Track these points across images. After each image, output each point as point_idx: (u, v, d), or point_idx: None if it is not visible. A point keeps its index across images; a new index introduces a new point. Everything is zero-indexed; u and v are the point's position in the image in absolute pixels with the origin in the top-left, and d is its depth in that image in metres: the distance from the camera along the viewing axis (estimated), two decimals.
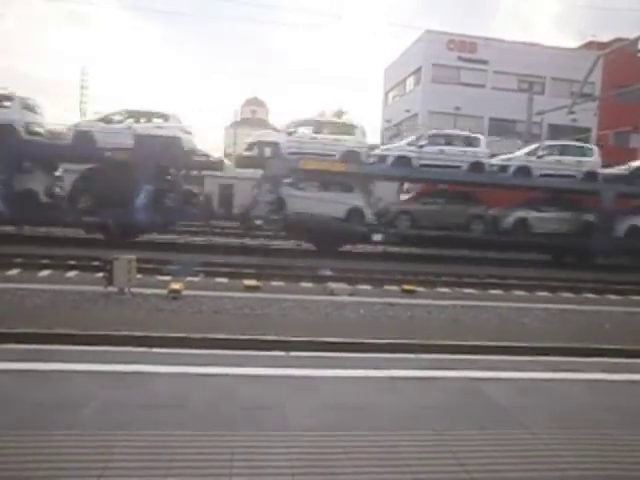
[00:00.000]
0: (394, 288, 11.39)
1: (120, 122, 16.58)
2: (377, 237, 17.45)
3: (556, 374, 4.80)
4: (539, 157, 18.31)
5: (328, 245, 17.25)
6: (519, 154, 19.16)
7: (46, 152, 16.87)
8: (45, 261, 11.81)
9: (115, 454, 2.88)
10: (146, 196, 15.70)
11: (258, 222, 17.34)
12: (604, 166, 19.20)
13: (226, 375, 4.27)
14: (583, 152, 19.17)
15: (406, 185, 22.47)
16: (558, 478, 2.93)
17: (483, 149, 18.46)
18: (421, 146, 17.63)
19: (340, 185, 17.54)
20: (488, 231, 18.18)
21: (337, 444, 3.16)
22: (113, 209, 15.58)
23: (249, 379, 4.22)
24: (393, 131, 37.99)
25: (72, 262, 11.92)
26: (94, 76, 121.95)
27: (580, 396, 4.27)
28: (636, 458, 3.21)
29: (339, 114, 53.59)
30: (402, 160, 17.47)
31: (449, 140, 18.56)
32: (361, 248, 18.84)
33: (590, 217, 18.51)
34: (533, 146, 19.72)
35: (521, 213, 18.47)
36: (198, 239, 18.49)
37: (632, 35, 23.90)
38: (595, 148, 19.58)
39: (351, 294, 10.21)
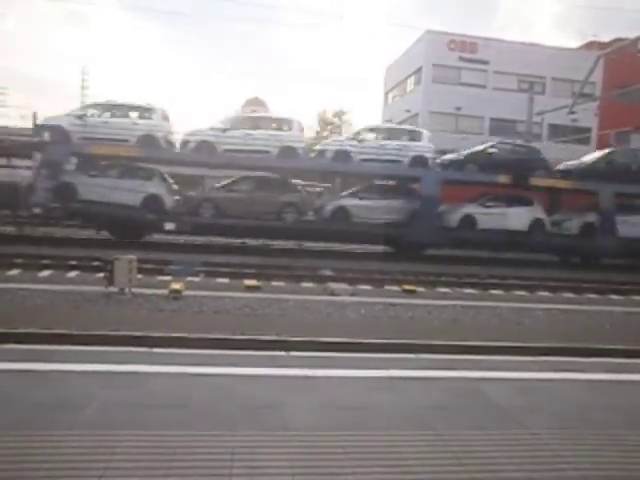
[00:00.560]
0: (395, 288, 11.40)
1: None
2: (169, 226, 16.36)
3: (556, 374, 4.80)
4: (360, 141, 17.51)
5: (127, 234, 16.46)
6: (341, 138, 18.41)
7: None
8: (46, 261, 11.82)
9: (116, 454, 2.89)
10: None
11: (36, 210, 16.53)
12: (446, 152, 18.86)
13: (226, 375, 4.27)
14: (413, 136, 18.53)
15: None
16: (558, 478, 2.93)
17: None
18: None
19: (140, 172, 16.66)
20: (302, 220, 17.16)
21: (337, 444, 3.16)
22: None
23: (250, 379, 4.23)
24: None
25: (73, 262, 11.93)
26: (94, 76, 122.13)
27: (581, 396, 4.27)
28: (637, 458, 3.21)
29: (339, 114, 53.67)
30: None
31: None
32: (361, 248, 18.86)
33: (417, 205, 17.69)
34: (356, 130, 18.79)
35: (341, 202, 17.59)
36: (198, 239, 18.49)
37: (632, 35, 23.89)
38: (425, 132, 18.86)
39: (352, 294, 10.21)
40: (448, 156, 19.21)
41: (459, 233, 17.92)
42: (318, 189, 28.01)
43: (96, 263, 11.01)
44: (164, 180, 17.09)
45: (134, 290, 8.70)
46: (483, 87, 34.15)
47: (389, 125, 20.14)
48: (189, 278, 10.59)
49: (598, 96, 28.69)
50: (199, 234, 17.51)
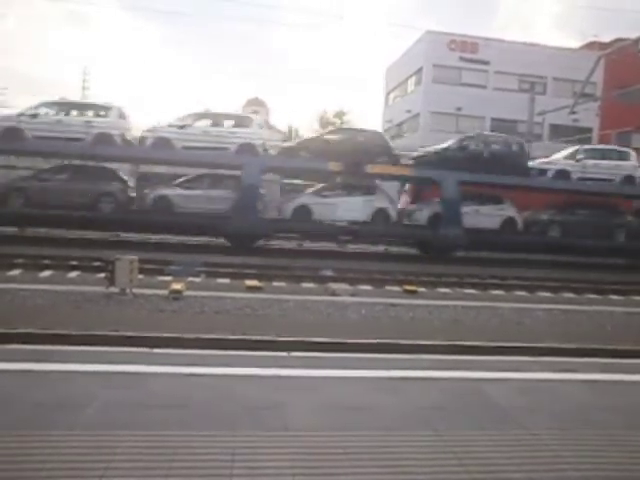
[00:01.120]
0: (396, 288, 11.40)
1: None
2: None
3: (557, 374, 4.80)
4: (181, 128, 16.68)
5: None
6: (163, 124, 17.09)
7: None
8: (46, 261, 11.83)
9: (116, 454, 2.89)
10: None
11: None
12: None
13: (227, 375, 4.27)
14: (241, 123, 17.53)
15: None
16: (558, 479, 2.93)
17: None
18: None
19: None
20: (121, 210, 16.45)
21: (338, 444, 3.16)
22: None
23: (250, 379, 4.23)
24: (394, 131, 38.01)
25: (73, 263, 11.94)
26: (95, 76, 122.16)
27: (581, 396, 4.27)
28: (637, 459, 3.21)
29: (340, 114, 53.66)
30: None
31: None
32: (362, 248, 18.87)
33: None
34: (190, 114, 17.50)
35: (163, 191, 16.87)
36: (199, 239, 18.50)
37: (633, 35, 23.86)
38: (255, 118, 17.97)
39: (352, 294, 10.21)
40: (286, 144, 18.53)
41: (285, 224, 17.26)
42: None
43: (97, 263, 11.02)
44: None
45: (135, 290, 8.71)
46: (484, 87, 34.17)
47: (217, 111, 18.63)
48: (190, 278, 10.60)
49: (599, 96, 28.69)
50: (6, 225, 16.73)
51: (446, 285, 12.12)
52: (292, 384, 4.17)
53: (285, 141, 19.41)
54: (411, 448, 3.17)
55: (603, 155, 19.46)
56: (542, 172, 18.89)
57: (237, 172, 16.91)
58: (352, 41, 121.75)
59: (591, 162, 18.77)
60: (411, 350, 5.87)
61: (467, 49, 33.83)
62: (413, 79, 36.84)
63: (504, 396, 4.14)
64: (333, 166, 16.96)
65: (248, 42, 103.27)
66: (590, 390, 4.44)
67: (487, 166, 17.50)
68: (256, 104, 68.84)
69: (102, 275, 9.58)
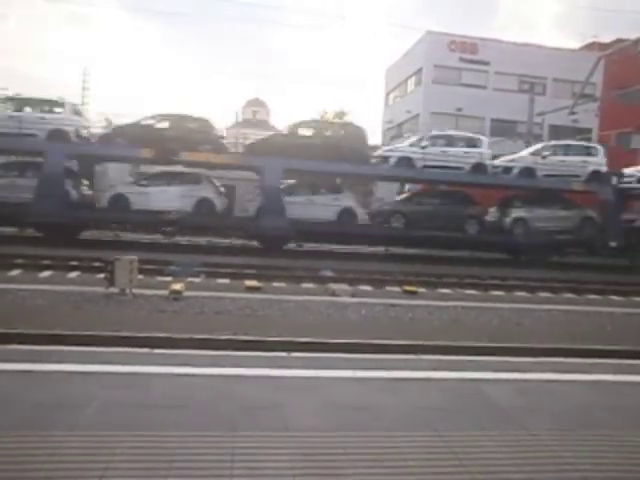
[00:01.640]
0: (395, 289, 11.40)
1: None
2: None
3: (557, 375, 4.79)
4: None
5: None
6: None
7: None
8: (46, 262, 11.83)
9: (116, 455, 2.88)
10: None
11: None
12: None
13: (227, 376, 4.27)
14: (49, 107, 16.83)
15: None
16: (558, 479, 2.93)
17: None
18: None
19: None
20: None
21: (338, 445, 3.15)
22: None
23: (250, 380, 4.22)
24: (394, 132, 38.01)
25: (73, 263, 11.94)
26: (95, 76, 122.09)
27: (581, 397, 4.26)
28: (637, 459, 3.20)
29: (340, 114, 53.66)
30: None
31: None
32: (362, 249, 18.85)
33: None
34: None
35: None
36: (199, 239, 18.50)
37: (633, 36, 23.85)
38: (68, 102, 17.00)
39: (352, 295, 10.21)
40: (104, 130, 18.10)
41: (98, 214, 16.75)
42: None
43: (97, 264, 11.01)
44: None
45: (135, 291, 8.70)
46: (484, 88, 34.11)
47: (23, 96, 17.63)
48: (189, 279, 10.59)
49: (599, 97, 28.67)
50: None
51: (446, 286, 12.11)
52: (292, 384, 4.16)
53: (106, 127, 18.50)
54: (411, 449, 3.16)
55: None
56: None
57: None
58: (352, 41, 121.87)
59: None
60: (411, 350, 5.86)
61: (467, 50, 33.80)
62: (413, 79, 36.79)
63: (504, 397, 4.14)
64: (145, 153, 16.41)
65: (248, 42, 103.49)
66: (590, 391, 4.44)
67: (320, 153, 16.68)
68: (256, 104, 68.91)
69: (102, 275, 9.57)
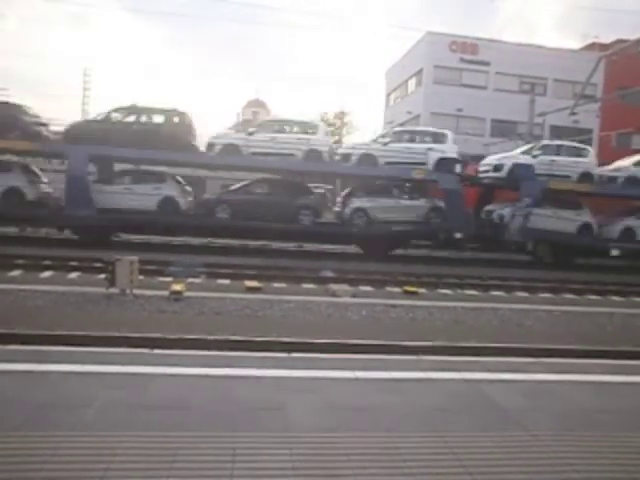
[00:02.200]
0: (396, 289, 11.40)
1: None
2: None
3: (558, 376, 4.79)
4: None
5: None
6: None
7: None
8: (47, 262, 11.84)
9: (117, 455, 2.89)
10: None
11: None
12: None
13: (228, 376, 4.27)
14: None
15: None
16: None
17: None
18: None
19: None
20: None
21: (339, 445, 3.16)
22: None
23: (251, 380, 4.22)
24: None
25: (74, 263, 11.94)
26: (96, 77, 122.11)
27: (582, 398, 4.26)
28: (637, 461, 3.20)
29: (341, 115, 53.68)
30: None
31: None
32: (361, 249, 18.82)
33: None
34: None
35: None
36: (199, 240, 18.50)
37: (634, 36, 23.81)
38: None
39: (353, 295, 10.21)
40: None
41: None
42: None
43: (98, 264, 11.01)
44: None
45: (135, 291, 8.70)
46: (484, 88, 34.15)
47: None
48: (190, 279, 10.60)
49: (599, 97, 28.68)
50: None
51: (447, 286, 12.11)
52: (292, 385, 4.17)
53: None
54: (412, 449, 3.16)
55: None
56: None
57: None
58: (353, 42, 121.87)
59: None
60: (412, 351, 5.86)
61: (468, 50, 33.87)
62: (414, 80, 36.84)
63: (505, 397, 4.14)
64: None
65: (249, 44, 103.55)
66: (592, 391, 4.44)
67: (139, 140, 15.83)
68: (257, 105, 68.98)
69: (102, 276, 9.57)
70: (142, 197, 16.21)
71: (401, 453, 3.10)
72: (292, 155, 16.88)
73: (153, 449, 2.98)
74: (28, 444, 2.97)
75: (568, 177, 18.33)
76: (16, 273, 10.80)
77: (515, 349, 6.48)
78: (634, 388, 4.66)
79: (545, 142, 20.52)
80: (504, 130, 31.85)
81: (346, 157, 17.57)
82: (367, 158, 17.23)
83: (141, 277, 9.42)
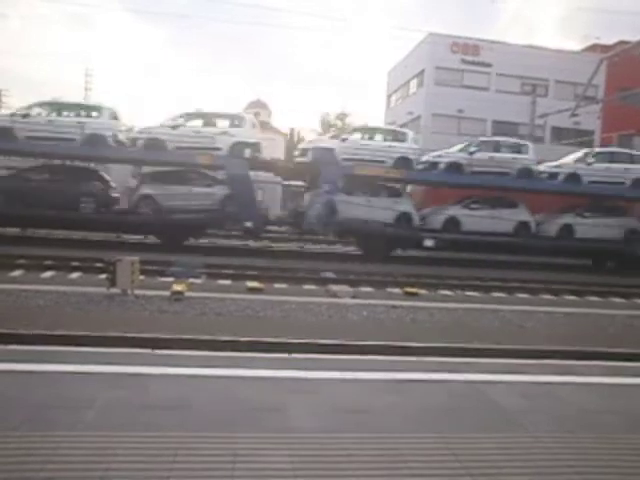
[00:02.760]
0: (397, 291, 11.39)
1: None
2: None
3: (559, 377, 4.79)
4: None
5: None
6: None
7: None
8: (48, 262, 11.85)
9: (117, 455, 2.89)
10: None
11: None
12: None
13: (228, 377, 4.27)
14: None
15: None
16: None
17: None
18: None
19: None
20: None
21: (340, 446, 3.15)
22: None
23: (251, 381, 4.22)
24: None
25: (75, 263, 11.95)
26: (97, 77, 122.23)
27: (583, 400, 4.26)
28: (637, 462, 3.20)
29: (342, 116, 53.74)
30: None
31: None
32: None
33: None
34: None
35: None
36: (200, 240, 18.50)
37: (636, 38, 23.81)
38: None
39: (353, 296, 10.20)
40: None
41: None
42: None
43: (98, 264, 11.02)
44: None
45: (136, 292, 8.70)
46: (486, 90, 34.10)
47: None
48: (191, 280, 10.60)
49: (601, 99, 28.65)
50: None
51: (447, 287, 12.11)
52: (293, 386, 4.16)
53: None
54: (412, 450, 3.16)
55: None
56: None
57: None
58: (355, 43, 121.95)
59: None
60: (413, 352, 5.86)
61: (469, 51, 33.81)
62: (415, 81, 36.79)
63: (506, 399, 4.13)
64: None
65: (250, 45, 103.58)
66: (592, 393, 4.43)
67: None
68: (258, 106, 68.96)
69: (103, 276, 9.57)
70: None
71: (402, 454, 3.10)
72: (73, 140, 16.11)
73: (153, 449, 2.98)
74: (28, 444, 2.96)
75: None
76: (17, 273, 10.81)
77: (516, 350, 6.48)
78: (634, 390, 4.65)
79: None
80: (505, 131, 31.78)
81: (133, 142, 16.75)
82: (154, 142, 16.35)
83: (142, 277, 9.43)
